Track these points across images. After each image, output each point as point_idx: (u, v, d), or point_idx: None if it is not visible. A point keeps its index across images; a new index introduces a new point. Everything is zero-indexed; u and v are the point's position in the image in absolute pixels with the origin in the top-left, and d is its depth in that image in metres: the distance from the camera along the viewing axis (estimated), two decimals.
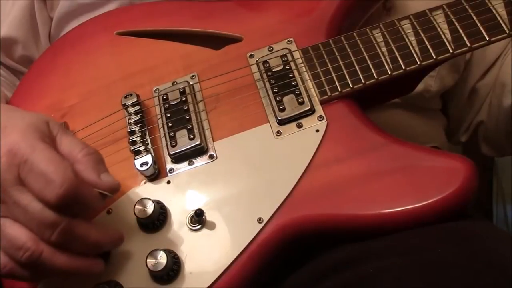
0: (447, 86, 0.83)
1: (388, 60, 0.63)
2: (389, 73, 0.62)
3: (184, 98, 0.66)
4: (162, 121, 0.65)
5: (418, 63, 0.62)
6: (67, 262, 0.53)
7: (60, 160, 0.52)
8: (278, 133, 0.62)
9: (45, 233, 0.51)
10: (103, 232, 0.55)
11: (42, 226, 0.51)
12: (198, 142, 0.62)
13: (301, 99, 0.63)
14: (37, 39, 0.82)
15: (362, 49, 0.64)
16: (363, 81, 0.62)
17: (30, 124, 0.54)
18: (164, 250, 0.56)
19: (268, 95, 0.64)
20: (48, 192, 0.50)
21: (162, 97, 0.66)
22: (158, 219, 0.59)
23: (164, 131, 0.64)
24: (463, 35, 0.62)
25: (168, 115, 0.65)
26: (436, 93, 0.82)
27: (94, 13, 0.76)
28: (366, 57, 0.63)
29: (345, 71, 0.63)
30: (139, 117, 0.65)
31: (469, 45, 0.62)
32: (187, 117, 0.64)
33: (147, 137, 0.64)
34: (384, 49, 0.64)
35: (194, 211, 0.58)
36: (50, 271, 0.53)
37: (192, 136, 0.63)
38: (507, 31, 0.62)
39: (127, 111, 0.66)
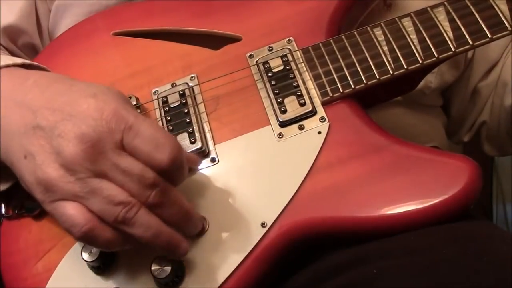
0: (447, 82, 0.83)
1: (390, 59, 0.62)
2: (391, 73, 0.62)
3: (184, 101, 0.65)
4: (162, 124, 0.64)
5: (420, 62, 0.61)
6: (159, 226, 0.52)
7: (163, 128, 0.53)
8: (280, 135, 0.62)
9: (144, 193, 0.51)
10: (193, 206, 0.56)
11: (142, 185, 0.51)
12: (200, 146, 0.62)
13: (303, 100, 0.62)
14: (40, 32, 0.80)
15: (363, 48, 0.63)
16: (364, 82, 0.62)
17: (119, 93, 0.55)
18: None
19: (269, 96, 0.64)
20: (159, 155, 0.51)
21: (162, 100, 0.66)
22: None
23: None
24: (465, 32, 0.61)
25: (168, 118, 0.64)
26: (435, 89, 0.82)
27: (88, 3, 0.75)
28: (368, 56, 0.63)
29: (346, 71, 0.63)
30: None
31: (471, 43, 0.61)
32: (188, 120, 0.63)
33: None
34: (385, 48, 0.63)
35: None
36: (138, 235, 0.51)
37: (193, 140, 0.62)
38: (510, 28, 0.61)
39: None
